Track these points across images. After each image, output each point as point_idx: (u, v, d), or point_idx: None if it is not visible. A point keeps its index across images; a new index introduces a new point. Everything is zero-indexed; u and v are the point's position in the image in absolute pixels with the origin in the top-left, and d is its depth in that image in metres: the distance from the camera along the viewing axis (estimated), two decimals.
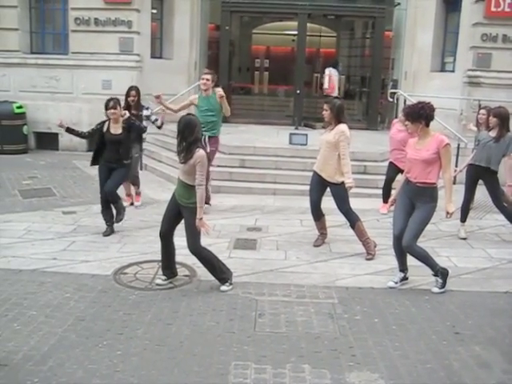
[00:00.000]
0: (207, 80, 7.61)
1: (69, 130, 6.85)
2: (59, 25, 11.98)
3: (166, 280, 5.38)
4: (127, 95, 8.01)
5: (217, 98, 7.55)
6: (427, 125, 5.23)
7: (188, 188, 5.03)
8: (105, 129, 6.74)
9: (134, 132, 6.96)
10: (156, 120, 7.97)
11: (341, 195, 6.29)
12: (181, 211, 5.14)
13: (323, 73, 13.44)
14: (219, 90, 7.65)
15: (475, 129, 7.85)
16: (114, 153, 6.70)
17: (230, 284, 5.29)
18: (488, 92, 10.27)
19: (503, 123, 6.76)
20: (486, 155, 6.83)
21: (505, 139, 6.74)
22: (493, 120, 6.81)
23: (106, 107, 6.69)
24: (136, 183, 8.09)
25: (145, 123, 7.71)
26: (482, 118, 7.39)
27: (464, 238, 7.03)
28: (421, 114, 5.15)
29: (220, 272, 5.28)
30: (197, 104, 7.67)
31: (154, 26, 12.47)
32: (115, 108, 6.64)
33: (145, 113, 7.90)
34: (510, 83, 10.42)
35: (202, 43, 13.47)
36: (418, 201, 5.25)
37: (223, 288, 5.24)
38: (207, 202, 7.62)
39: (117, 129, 6.72)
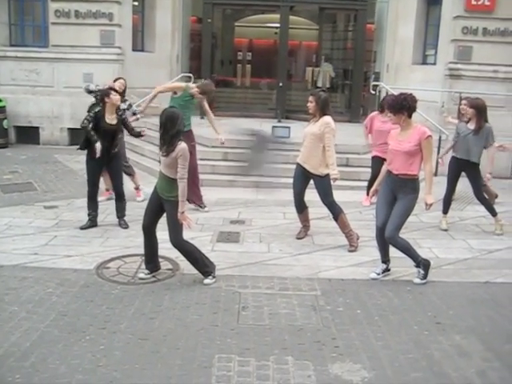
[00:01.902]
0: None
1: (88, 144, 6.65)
2: (39, 17, 11.80)
3: (148, 274, 5.36)
4: (114, 82, 7.85)
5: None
6: (410, 116, 5.26)
7: (170, 181, 5.02)
8: (99, 116, 6.60)
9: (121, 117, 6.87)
10: (135, 112, 7.89)
11: (324, 188, 6.31)
12: (163, 205, 5.13)
13: (315, 66, 13.59)
14: (193, 88, 7.43)
15: (455, 121, 7.91)
16: (107, 143, 6.61)
17: (213, 277, 5.29)
18: (469, 84, 10.36)
19: (481, 114, 6.82)
20: (466, 148, 6.90)
21: (483, 131, 6.81)
22: (469, 111, 6.88)
23: (107, 95, 6.56)
24: (130, 172, 7.97)
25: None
26: (464, 108, 7.43)
27: (445, 230, 7.11)
28: (403, 106, 5.18)
29: (203, 265, 5.28)
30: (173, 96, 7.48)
31: (136, 19, 12.36)
32: (108, 96, 6.54)
33: (122, 106, 7.71)
34: (491, 76, 10.54)
35: (184, 36, 13.39)
36: (399, 192, 5.29)
37: (206, 281, 5.24)
38: (200, 205, 7.59)
39: (112, 119, 6.62)
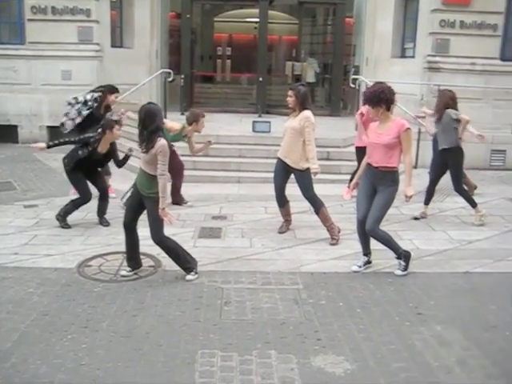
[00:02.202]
0: None
1: (53, 145, 6.49)
2: (15, 13, 11.61)
3: (130, 271, 5.34)
4: (110, 92, 7.57)
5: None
6: (388, 109, 5.29)
7: (150, 178, 4.99)
8: (94, 145, 6.48)
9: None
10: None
11: (305, 181, 6.33)
12: (143, 201, 5.10)
13: (295, 61, 13.58)
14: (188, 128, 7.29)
15: (430, 111, 7.98)
16: (95, 166, 6.71)
17: (196, 273, 5.28)
18: (447, 77, 10.44)
19: (444, 105, 6.98)
20: (438, 137, 7.04)
21: (444, 117, 6.94)
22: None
23: (111, 128, 6.41)
24: (107, 172, 7.89)
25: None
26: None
27: (417, 218, 7.21)
28: (381, 98, 5.20)
29: (185, 261, 5.27)
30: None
31: (114, 15, 12.25)
32: (111, 128, 6.43)
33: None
34: (468, 68, 10.63)
35: (163, 32, 13.30)
36: (379, 185, 5.32)
37: (188, 277, 5.24)
38: (178, 203, 7.56)
39: (104, 149, 6.54)
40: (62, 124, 7.45)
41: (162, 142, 4.90)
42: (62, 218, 6.65)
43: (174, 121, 7.64)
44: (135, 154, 6.44)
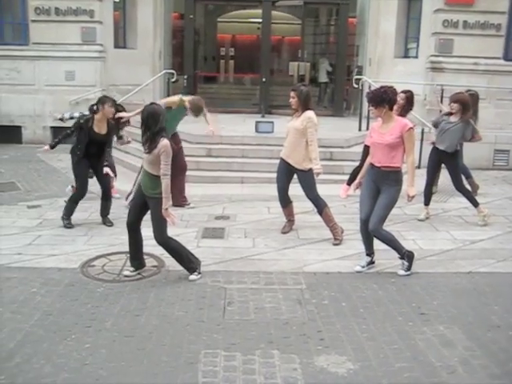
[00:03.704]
0: None
1: (55, 144, 6.64)
2: (18, 14, 11.67)
3: (134, 271, 5.35)
4: (116, 110, 7.00)
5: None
6: (391, 109, 5.29)
7: (153, 178, 5.00)
8: (88, 125, 6.52)
9: (115, 126, 6.83)
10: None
11: (308, 182, 6.33)
12: (147, 202, 5.11)
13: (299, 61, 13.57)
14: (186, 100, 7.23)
15: (445, 109, 7.93)
16: (97, 151, 6.64)
17: (199, 273, 5.29)
18: (450, 77, 10.45)
19: (465, 108, 6.89)
20: (445, 139, 6.98)
21: (467, 124, 6.90)
22: (454, 105, 6.94)
23: (102, 103, 6.50)
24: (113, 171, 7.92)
25: None
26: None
27: (422, 220, 7.19)
28: (384, 99, 5.21)
29: (188, 261, 5.28)
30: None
31: (117, 16, 12.28)
32: (118, 110, 6.55)
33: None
34: (471, 68, 10.63)
35: (167, 32, 13.31)
36: (382, 185, 5.32)
37: (192, 277, 5.25)
38: (180, 205, 7.52)
39: (101, 128, 6.54)
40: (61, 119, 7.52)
41: (164, 142, 4.91)
42: (67, 217, 6.68)
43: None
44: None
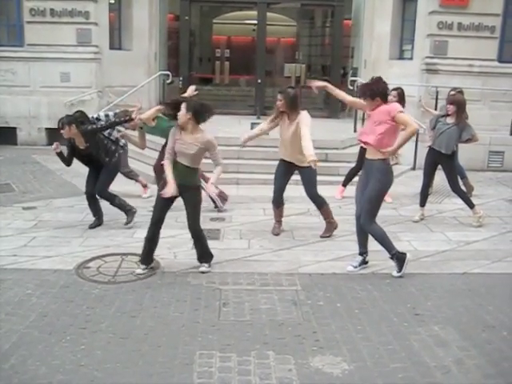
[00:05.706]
0: None
1: (60, 155, 6.56)
2: (13, 16, 11.63)
3: (145, 268, 5.41)
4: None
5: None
6: (384, 101, 5.27)
7: (194, 171, 5.33)
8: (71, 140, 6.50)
9: (91, 139, 6.50)
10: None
11: (311, 179, 6.38)
12: (180, 195, 5.23)
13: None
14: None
15: (436, 112, 7.95)
16: (90, 160, 6.67)
17: (209, 266, 5.47)
18: (445, 79, 10.47)
19: (460, 109, 6.92)
20: (441, 141, 6.99)
21: (463, 126, 6.92)
22: (450, 107, 6.96)
23: (68, 123, 6.36)
24: (133, 177, 8.09)
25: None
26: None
27: (417, 221, 7.20)
28: (375, 91, 5.21)
29: (207, 254, 5.50)
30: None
31: (112, 17, 12.25)
32: (63, 128, 6.31)
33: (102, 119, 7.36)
34: (466, 70, 10.66)
35: (162, 34, 13.31)
36: (369, 176, 5.31)
37: (202, 269, 5.41)
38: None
39: (79, 142, 6.47)
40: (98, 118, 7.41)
41: (209, 137, 5.29)
42: (125, 211, 6.73)
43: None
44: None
